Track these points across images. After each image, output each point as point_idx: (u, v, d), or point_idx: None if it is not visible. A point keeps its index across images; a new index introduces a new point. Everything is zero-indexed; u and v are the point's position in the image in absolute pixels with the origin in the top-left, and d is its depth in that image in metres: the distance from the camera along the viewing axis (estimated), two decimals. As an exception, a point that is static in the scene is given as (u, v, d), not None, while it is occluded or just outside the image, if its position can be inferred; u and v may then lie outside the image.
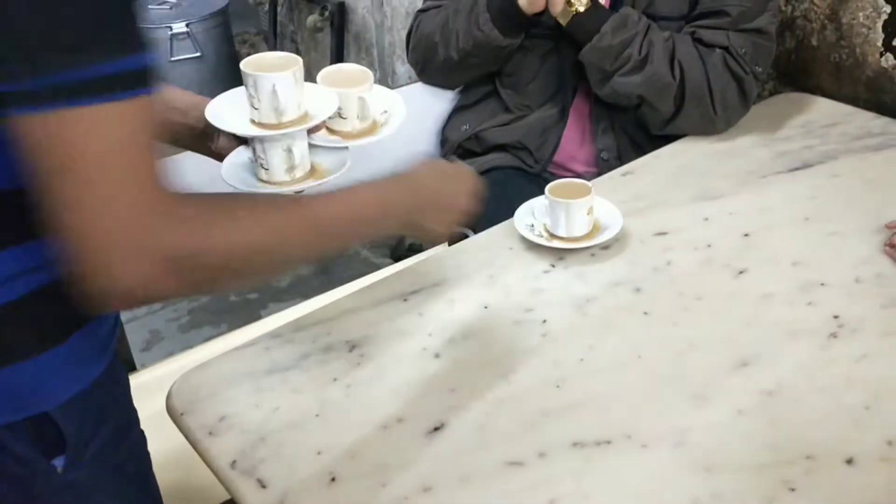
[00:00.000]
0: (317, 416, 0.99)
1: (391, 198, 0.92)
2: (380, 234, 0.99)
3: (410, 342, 1.09)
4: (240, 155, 1.05)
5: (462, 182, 1.03)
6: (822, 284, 1.15)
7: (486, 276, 1.21)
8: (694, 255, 1.22)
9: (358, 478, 0.91)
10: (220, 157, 1.05)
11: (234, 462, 0.94)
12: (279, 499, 0.90)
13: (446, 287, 1.19)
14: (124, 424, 0.93)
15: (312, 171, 1.05)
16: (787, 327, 1.08)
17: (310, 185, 1.03)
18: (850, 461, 0.89)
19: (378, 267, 2.13)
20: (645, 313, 1.12)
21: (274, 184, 1.02)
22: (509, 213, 1.33)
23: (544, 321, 1.11)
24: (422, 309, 1.16)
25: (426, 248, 2.44)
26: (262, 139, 0.99)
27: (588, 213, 1.23)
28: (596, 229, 1.25)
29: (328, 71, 1.08)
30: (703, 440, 0.93)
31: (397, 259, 2.88)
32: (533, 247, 1.25)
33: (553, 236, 1.25)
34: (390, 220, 0.93)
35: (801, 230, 1.26)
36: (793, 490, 0.86)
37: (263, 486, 0.91)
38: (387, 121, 1.10)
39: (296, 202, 0.85)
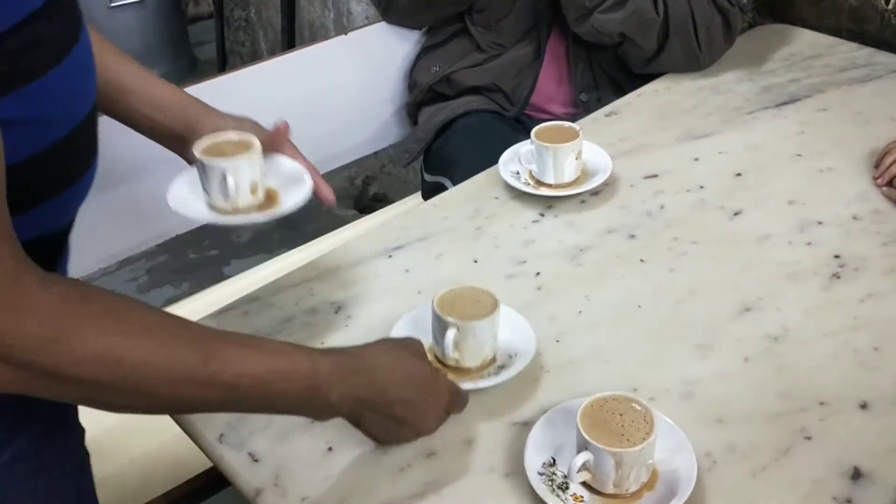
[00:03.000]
0: (306, 382, 0.94)
1: (329, 378, 0.74)
2: (303, 415, 0.79)
3: (399, 301, 1.04)
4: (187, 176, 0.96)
5: (437, 399, 0.82)
6: (820, 223, 1.11)
7: (472, 228, 1.16)
8: (687, 198, 1.18)
9: (356, 447, 0.86)
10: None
11: (221, 436, 0.89)
12: (273, 472, 0.85)
13: (432, 241, 1.14)
14: (53, 425, 0.82)
15: (267, 200, 0.95)
16: (787, 269, 1.05)
17: (256, 218, 0.93)
18: (864, 406, 0.87)
19: (343, 219, 2.06)
20: (641, 261, 1.08)
21: (218, 209, 0.93)
22: (487, 159, 1.27)
23: (538, 274, 1.07)
24: (408, 265, 1.10)
25: (393, 200, 2.38)
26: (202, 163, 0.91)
27: (577, 158, 1.18)
28: (585, 175, 1.20)
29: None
30: (711, 391, 0.90)
31: (361, 210, 2.82)
32: (520, 195, 1.20)
33: (540, 184, 1.19)
34: (319, 406, 0.76)
35: (792, 167, 1.23)
36: (808, 438, 0.84)
37: (255, 460, 0.86)
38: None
39: (205, 337, 0.69)
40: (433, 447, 0.85)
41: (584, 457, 0.76)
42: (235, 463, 0.86)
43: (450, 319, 0.88)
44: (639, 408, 0.79)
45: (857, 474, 0.80)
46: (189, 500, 1.25)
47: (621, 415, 0.79)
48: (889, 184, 1.15)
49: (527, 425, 0.86)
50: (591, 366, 0.94)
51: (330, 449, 0.86)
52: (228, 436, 0.89)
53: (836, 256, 1.06)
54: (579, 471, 0.77)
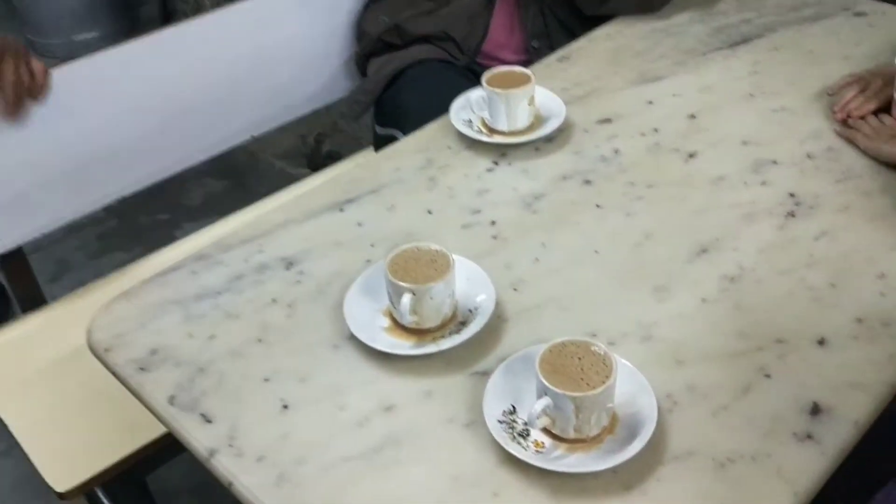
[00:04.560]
0: (259, 341, 0.92)
1: None
2: None
3: (352, 255, 1.01)
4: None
5: None
6: (775, 163, 1.11)
7: (425, 178, 1.13)
8: (641, 142, 1.16)
9: (312, 403, 0.84)
10: None
11: (172, 397, 0.86)
12: (228, 433, 0.82)
13: (384, 193, 1.11)
14: None
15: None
16: (743, 210, 1.04)
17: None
18: (821, 342, 0.87)
19: (296, 179, 2.02)
20: (597, 206, 1.06)
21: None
22: (439, 109, 1.24)
23: (493, 223, 1.05)
24: (360, 218, 1.07)
25: (345, 156, 2.34)
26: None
27: (529, 104, 1.16)
28: (538, 121, 1.18)
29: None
30: (670, 333, 0.89)
31: (315, 169, 2.76)
32: (473, 144, 1.17)
33: (493, 131, 1.17)
34: None
35: (746, 108, 1.22)
36: (768, 376, 0.83)
37: (209, 421, 0.84)
38: None
39: None
40: (391, 401, 0.84)
41: (544, 402, 0.75)
42: (187, 425, 0.84)
43: (404, 285, 0.86)
44: (598, 351, 0.78)
45: (816, 409, 0.80)
46: (144, 466, 1.22)
47: (580, 359, 0.77)
48: (844, 121, 1.14)
49: (486, 375, 0.84)
50: (550, 313, 0.92)
51: (285, 406, 0.84)
52: (179, 397, 0.86)
53: (791, 195, 1.05)
54: (539, 417, 0.76)
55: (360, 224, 1.06)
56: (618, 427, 0.79)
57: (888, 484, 0.88)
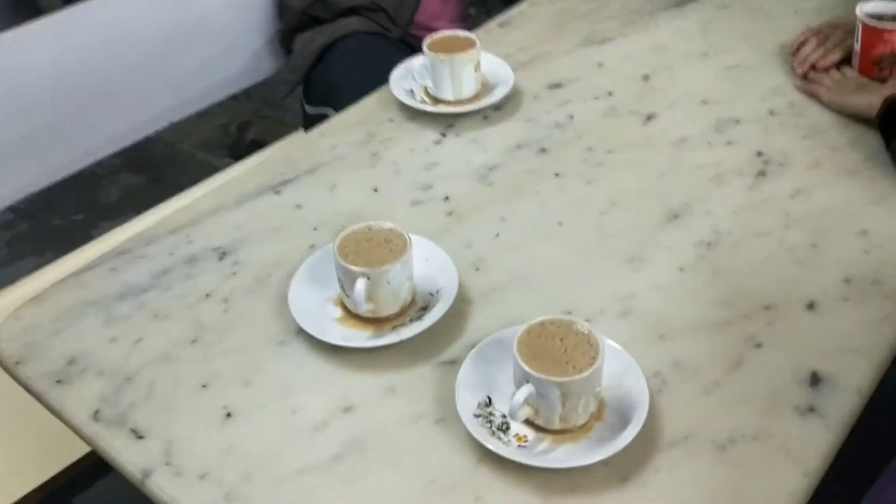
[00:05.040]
0: (193, 342, 0.81)
1: None
2: None
3: (293, 240, 0.91)
4: None
5: None
6: (737, 121, 1.05)
7: (367, 154, 1.03)
8: (595, 106, 1.09)
9: (259, 409, 0.74)
10: None
11: (96, 413, 0.75)
12: (163, 449, 0.72)
13: (323, 172, 1.01)
14: None
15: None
16: (710, 171, 0.98)
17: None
18: (811, 306, 0.81)
19: (220, 170, 1.90)
20: (556, 175, 0.99)
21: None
22: (374, 85, 1.14)
23: (446, 198, 0.96)
24: (299, 200, 0.97)
25: (270, 143, 2.22)
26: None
27: (475, 70, 1.07)
28: (485, 88, 1.10)
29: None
30: (649, 306, 0.82)
31: (239, 159, 2.63)
32: (417, 115, 1.08)
33: (438, 100, 1.08)
34: None
35: (701, 66, 1.16)
36: (759, 346, 0.77)
37: (140, 437, 0.73)
38: None
39: None
40: (349, 400, 0.74)
41: (526, 391, 0.67)
42: (116, 443, 0.73)
43: (357, 269, 0.77)
44: (581, 330, 0.70)
45: (815, 379, 0.74)
46: (71, 489, 1.10)
47: (562, 340, 0.69)
48: (805, 75, 1.09)
49: (454, 364, 0.76)
50: (517, 292, 0.84)
51: (228, 415, 0.74)
52: (104, 412, 0.75)
53: (759, 154, 0.99)
54: (521, 408, 0.67)
55: (298, 207, 0.96)
56: (605, 412, 0.71)
57: (878, 480, 0.83)
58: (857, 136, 1.01)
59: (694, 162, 0.99)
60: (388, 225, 0.81)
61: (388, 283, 0.77)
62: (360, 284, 0.76)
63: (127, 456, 0.72)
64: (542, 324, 0.70)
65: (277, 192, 0.98)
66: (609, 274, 0.86)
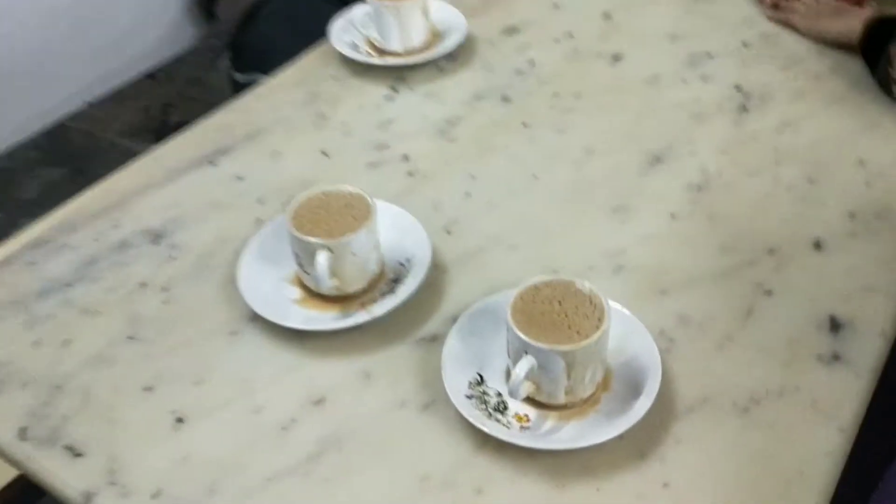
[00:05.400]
0: (130, 339, 0.70)
1: None
2: None
3: (236, 216, 0.81)
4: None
5: None
6: (710, 56, 0.97)
7: (312, 116, 0.93)
8: (557, 49, 1.00)
9: (216, 410, 0.64)
10: None
11: (23, 430, 0.64)
12: (106, 466, 0.61)
13: (264, 138, 0.90)
14: None
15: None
16: (689, 109, 0.90)
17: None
18: (818, 245, 0.74)
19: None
20: (524, 125, 0.90)
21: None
22: (309, 44, 1.04)
23: (405, 157, 0.86)
24: (238, 171, 0.86)
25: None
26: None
27: (423, 16, 0.97)
28: (435, 37, 1.00)
29: None
30: (643, 259, 0.74)
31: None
32: (362, 70, 0.98)
33: (385, 52, 0.98)
34: None
35: (663, 1, 1.08)
36: (769, 293, 0.70)
37: (78, 454, 0.62)
38: None
39: None
40: (320, 392, 0.65)
41: (527, 364, 0.58)
42: (49, 463, 0.62)
43: (316, 240, 0.67)
44: (581, 289, 0.61)
45: (834, 325, 0.67)
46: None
47: (560, 303, 0.61)
48: (776, 4, 1.02)
49: (436, 341, 0.67)
50: (496, 254, 0.75)
51: (179, 420, 0.64)
52: (33, 428, 0.64)
53: (738, 88, 0.92)
54: (522, 383, 0.59)
55: (239, 178, 0.86)
56: (612, 381, 0.63)
57: (882, 480, 0.77)
58: (838, 63, 0.94)
59: (670, 101, 0.91)
60: (346, 188, 0.71)
61: (354, 254, 0.68)
62: (322, 258, 0.66)
63: (63, 478, 0.61)
64: (535, 287, 0.61)
65: (213, 164, 0.87)
66: (594, 228, 0.77)
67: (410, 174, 0.84)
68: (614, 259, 0.74)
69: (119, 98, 2.12)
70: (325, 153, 0.88)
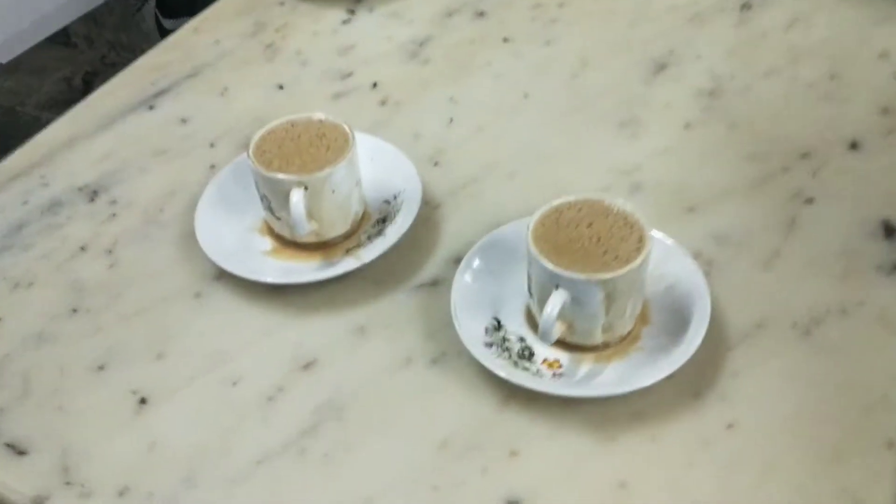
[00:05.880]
0: (74, 311, 0.59)
1: None
2: None
3: (184, 163, 0.69)
4: None
5: None
6: (700, -47, 0.88)
7: (261, 47, 0.81)
8: (529, -43, 0.90)
9: (185, 385, 0.54)
10: None
11: (-50, 431, 0.53)
12: (59, 462, 0.51)
13: (208, 75, 0.79)
14: None
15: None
16: (687, 11, 0.80)
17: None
18: (853, 145, 0.65)
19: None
20: (504, 40, 0.79)
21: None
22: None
23: (375, 84, 0.76)
24: (183, 113, 0.75)
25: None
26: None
27: (378, -74, 0.86)
28: (392, -51, 0.89)
29: None
30: (662, 175, 0.65)
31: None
32: (314, -9, 0.86)
33: (337, -30, 0.86)
34: None
35: None
36: (810, 201, 0.61)
37: (22, 452, 0.51)
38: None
39: None
40: (309, 354, 0.55)
41: (559, 300, 0.48)
42: (-12, 468, 0.51)
43: (288, 177, 0.56)
44: (615, 208, 0.52)
45: (889, 230, 0.59)
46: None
47: (590, 225, 0.51)
48: None
49: (437, 286, 0.57)
50: (493, 183, 0.65)
51: (142, 400, 0.53)
52: (-38, 428, 0.53)
53: (736, -15, 0.83)
54: (555, 323, 0.49)
55: (184, 121, 0.74)
56: (651, 313, 0.54)
57: None
58: (839, -47, 0.86)
59: (664, 3, 0.82)
60: (317, 115, 0.60)
61: (333, 191, 0.57)
62: (297, 197, 0.56)
63: (7, 482, 0.51)
64: (557, 209, 0.52)
65: (151, 108, 0.75)
66: (601, 145, 0.68)
67: (382, 103, 0.73)
68: (629, 177, 0.65)
69: (35, 70, 1.96)
70: (280, 86, 0.76)
